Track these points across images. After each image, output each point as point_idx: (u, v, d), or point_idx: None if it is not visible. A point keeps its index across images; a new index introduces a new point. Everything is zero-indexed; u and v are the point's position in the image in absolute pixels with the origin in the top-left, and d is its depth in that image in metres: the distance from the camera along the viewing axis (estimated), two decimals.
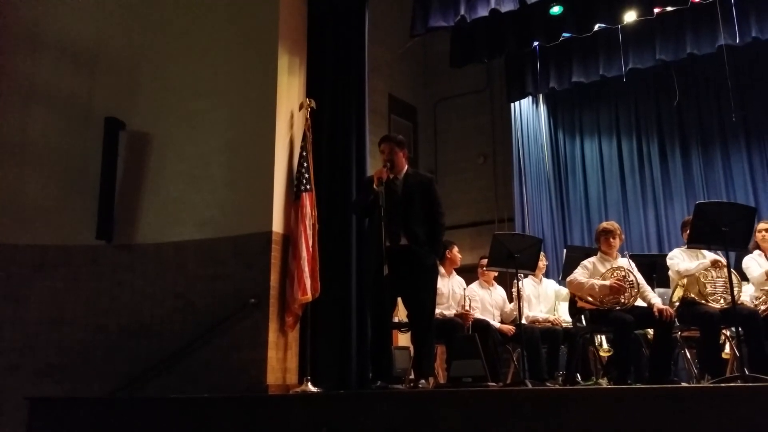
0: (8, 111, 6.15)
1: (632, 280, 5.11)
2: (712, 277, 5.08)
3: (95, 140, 6.06)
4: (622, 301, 5.08)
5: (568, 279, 5.45)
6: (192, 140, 6.05)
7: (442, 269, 5.76)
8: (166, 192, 6.04)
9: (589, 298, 5.23)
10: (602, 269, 5.27)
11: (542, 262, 6.43)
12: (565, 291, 6.24)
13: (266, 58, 5.93)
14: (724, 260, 4.95)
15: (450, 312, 5.74)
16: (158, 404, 5.00)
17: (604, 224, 5.54)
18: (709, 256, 5.14)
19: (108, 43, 6.36)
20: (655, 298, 5.14)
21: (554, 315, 6.19)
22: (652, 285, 5.66)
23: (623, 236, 5.44)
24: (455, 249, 6.07)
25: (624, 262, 5.31)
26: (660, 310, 4.87)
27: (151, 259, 5.91)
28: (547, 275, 6.78)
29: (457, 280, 6.03)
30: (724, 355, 5.46)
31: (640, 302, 5.13)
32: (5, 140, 6.10)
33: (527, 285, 6.23)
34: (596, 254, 5.48)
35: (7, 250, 5.86)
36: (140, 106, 6.21)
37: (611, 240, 5.35)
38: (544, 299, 6.33)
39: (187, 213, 5.93)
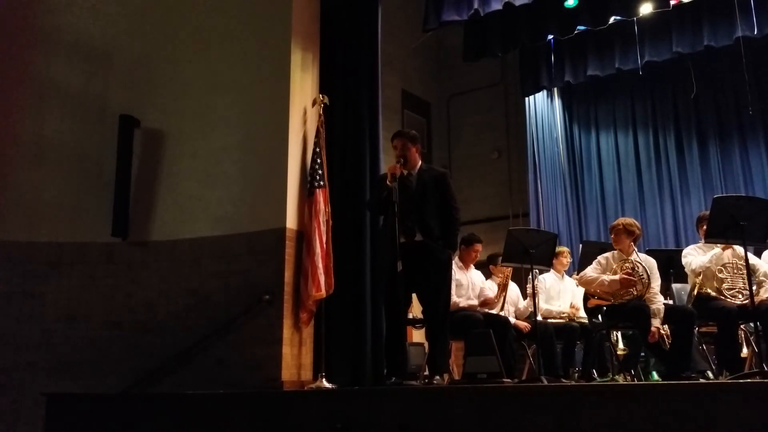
0: (24, 109, 6.19)
1: (641, 272, 5.06)
2: (728, 271, 5.01)
3: (110, 138, 6.09)
4: (634, 293, 5.03)
5: (579, 275, 5.41)
6: (206, 137, 6.06)
7: (460, 262, 5.73)
8: (181, 189, 6.05)
9: (599, 292, 5.18)
10: (614, 265, 5.22)
11: (567, 259, 6.38)
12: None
13: (279, 54, 5.92)
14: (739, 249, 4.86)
15: (469, 302, 5.67)
16: (173, 400, 5.03)
17: (616, 221, 5.48)
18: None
19: (122, 41, 6.38)
20: (656, 315, 5.01)
21: (574, 309, 6.14)
22: (669, 280, 5.60)
23: (639, 232, 5.34)
24: (476, 246, 5.97)
25: (633, 256, 5.26)
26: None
27: (166, 255, 5.94)
28: (567, 271, 6.72)
29: (476, 273, 5.98)
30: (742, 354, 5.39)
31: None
32: (21, 138, 6.14)
33: (548, 279, 6.19)
34: (614, 249, 5.43)
35: (24, 247, 5.90)
36: (154, 104, 6.23)
37: (612, 236, 5.28)
38: (564, 295, 6.27)
39: (201, 210, 5.94)
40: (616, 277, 5.09)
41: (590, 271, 5.26)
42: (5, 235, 5.91)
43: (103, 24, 6.40)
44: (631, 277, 5.05)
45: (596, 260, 5.34)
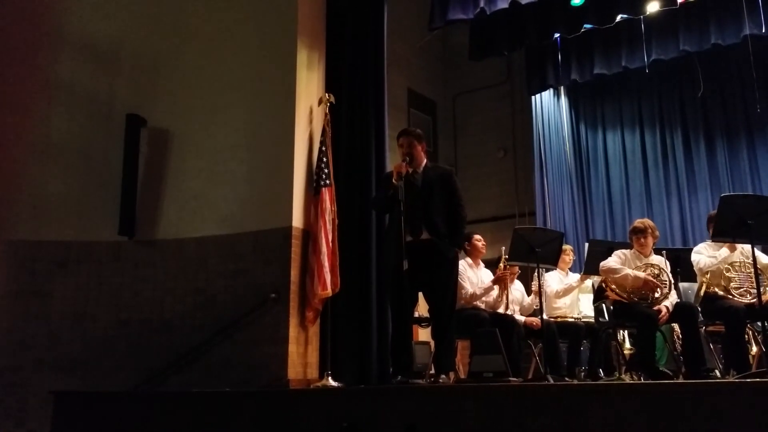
0: (31, 108, 6.22)
1: (665, 280, 5.05)
2: (736, 270, 4.99)
3: (117, 137, 6.12)
4: (650, 298, 5.02)
5: (601, 263, 5.36)
6: (212, 136, 6.08)
7: (469, 260, 5.72)
8: (187, 188, 6.08)
9: (615, 287, 5.16)
10: (634, 264, 5.20)
11: (569, 257, 6.36)
12: (588, 284, 6.17)
13: (285, 53, 5.94)
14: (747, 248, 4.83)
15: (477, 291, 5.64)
16: (180, 398, 5.04)
17: (635, 222, 5.45)
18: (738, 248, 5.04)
19: (129, 41, 6.41)
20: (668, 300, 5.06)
21: (578, 312, 6.12)
22: (677, 279, 5.57)
23: (657, 233, 5.34)
24: (475, 237, 5.95)
25: (660, 260, 5.24)
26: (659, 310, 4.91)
27: (173, 254, 5.96)
28: (571, 269, 6.70)
29: (486, 272, 5.96)
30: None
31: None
32: (29, 137, 6.17)
33: (553, 278, 6.16)
34: (621, 248, 5.40)
35: (31, 246, 5.94)
36: (161, 103, 6.25)
37: (641, 240, 5.26)
38: (570, 293, 6.24)
39: (207, 209, 5.96)
40: (642, 274, 5.07)
41: (613, 262, 5.24)
42: (13, 234, 5.95)
43: (110, 24, 6.43)
44: (657, 282, 5.04)
45: (615, 253, 5.32)
